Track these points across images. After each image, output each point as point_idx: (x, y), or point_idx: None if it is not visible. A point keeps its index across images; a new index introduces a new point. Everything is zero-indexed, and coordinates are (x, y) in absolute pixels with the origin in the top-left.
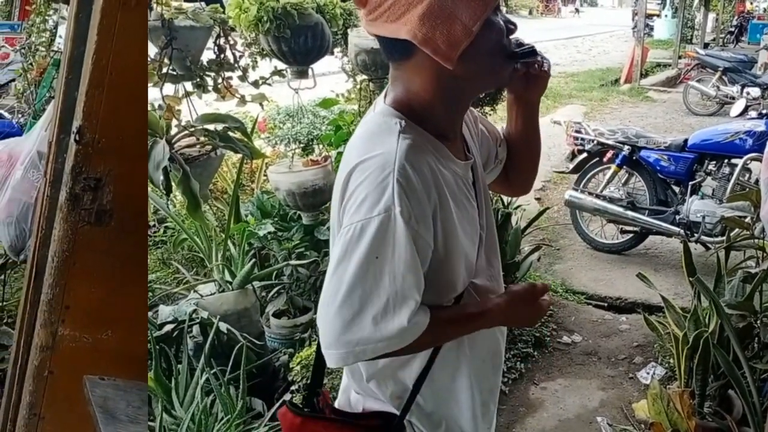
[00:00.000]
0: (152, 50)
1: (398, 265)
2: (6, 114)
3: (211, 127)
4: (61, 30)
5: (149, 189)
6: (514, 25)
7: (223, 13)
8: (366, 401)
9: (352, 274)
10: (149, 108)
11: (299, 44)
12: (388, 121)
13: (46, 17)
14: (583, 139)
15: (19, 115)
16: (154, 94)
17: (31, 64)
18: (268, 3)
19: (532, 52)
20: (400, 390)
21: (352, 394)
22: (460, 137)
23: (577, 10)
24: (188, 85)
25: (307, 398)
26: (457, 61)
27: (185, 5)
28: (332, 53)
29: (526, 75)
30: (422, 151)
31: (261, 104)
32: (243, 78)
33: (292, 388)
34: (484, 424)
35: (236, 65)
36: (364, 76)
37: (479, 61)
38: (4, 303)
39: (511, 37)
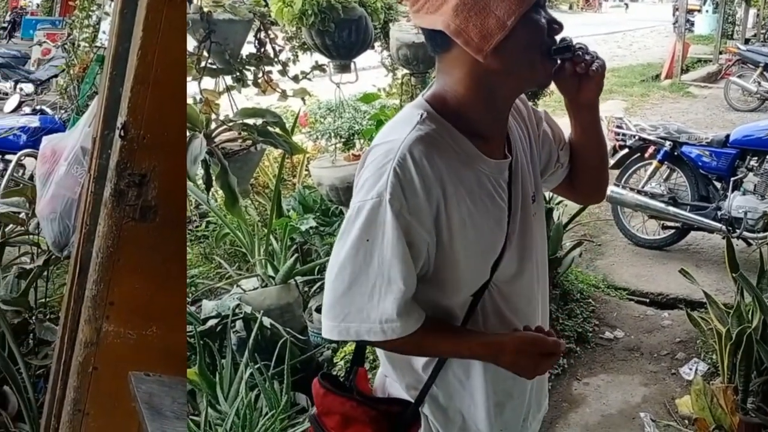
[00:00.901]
0: (190, 43)
1: (386, 251)
2: (48, 110)
3: (250, 121)
4: (104, 25)
5: (190, 183)
6: (560, 24)
7: (265, 6)
8: (391, 387)
9: (345, 252)
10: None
11: (342, 38)
12: (413, 111)
13: (90, 13)
14: (624, 134)
15: (62, 111)
16: (192, 88)
17: (74, 60)
18: None
19: (566, 48)
20: (415, 380)
21: (382, 378)
22: (500, 136)
23: (626, 5)
24: (228, 79)
25: (346, 374)
26: (492, 56)
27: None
28: (373, 47)
29: (576, 75)
30: (433, 144)
31: (303, 99)
32: (283, 72)
33: None
34: (497, 425)
35: (276, 59)
36: (405, 71)
37: (515, 57)
38: (47, 299)
39: (557, 37)
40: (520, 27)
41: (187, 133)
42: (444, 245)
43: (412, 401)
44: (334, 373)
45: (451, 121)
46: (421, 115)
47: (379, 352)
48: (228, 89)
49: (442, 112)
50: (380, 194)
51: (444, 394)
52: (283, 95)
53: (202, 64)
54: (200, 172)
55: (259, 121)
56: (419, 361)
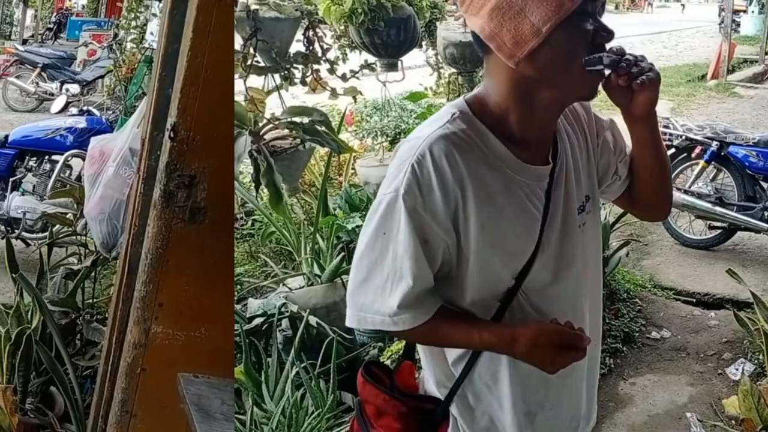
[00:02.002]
0: (237, 41)
1: (399, 245)
2: (95, 111)
3: (298, 119)
4: (152, 27)
5: (237, 182)
6: (609, 32)
7: (313, 5)
8: (427, 383)
9: (364, 243)
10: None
11: (391, 37)
12: (448, 110)
13: (137, 14)
14: (671, 134)
15: (108, 112)
16: (238, 85)
17: (121, 60)
18: None
19: (598, 60)
20: (445, 377)
21: (422, 374)
22: (542, 142)
23: (683, 6)
24: (278, 78)
25: (395, 366)
26: (527, 63)
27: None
28: (420, 46)
29: (625, 87)
30: (456, 144)
31: (354, 98)
32: (331, 71)
33: None
34: None
35: (323, 58)
36: (452, 70)
37: (553, 67)
38: (95, 300)
39: (609, 45)
40: (558, 34)
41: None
42: (463, 247)
43: (442, 399)
44: None
45: (487, 123)
46: (453, 114)
47: (418, 345)
48: (278, 88)
49: (480, 113)
50: (396, 189)
51: (472, 396)
52: (333, 94)
53: (249, 62)
54: (249, 169)
55: (306, 120)
56: (450, 358)
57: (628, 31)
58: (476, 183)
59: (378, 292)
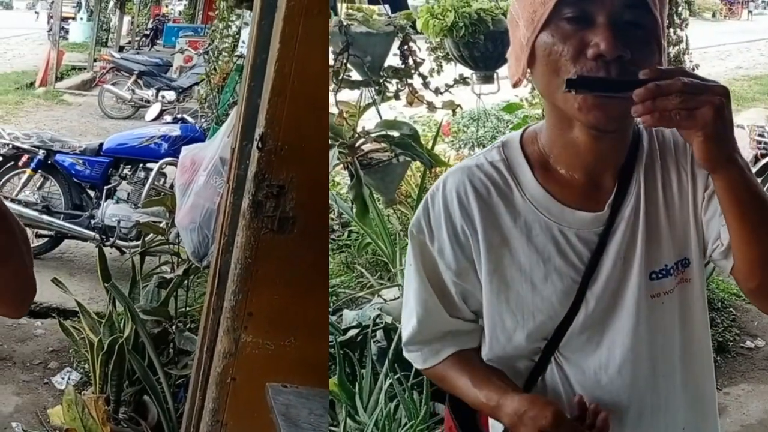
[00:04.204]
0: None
1: (412, 282)
2: (189, 118)
3: (389, 133)
4: (244, 35)
5: (334, 193)
6: (605, 43)
7: (407, 19)
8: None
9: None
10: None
11: (489, 49)
12: (498, 141)
13: (229, 23)
14: (767, 143)
15: (202, 120)
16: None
17: (214, 68)
18: (464, 9)
19: (581, 82)
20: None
21: None
22: (589, 181)
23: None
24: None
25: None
26: (534, 81)
27: (358, 14)
28: None
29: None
30: (476, 178)
31: (453, 111)
32: (425, 85)
33: None
34: None
35: (414, 71)
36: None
37: (544, 86)
38: (187, 308)
39: (610, 59)
40: (541, 46)
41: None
42: (481, 281)
43: None
44: None
45: (532, 157)
46: (498, 145)
47: None
48: (374, 101)
49: (529, 144)
50: (413, 222)
51: None
52: (431, 107)
53: (340, 76)
54: (347, 181)
55: (397, 134)
56: None
57: (724, 39)
58: (489, 224)
59: (403, 321)
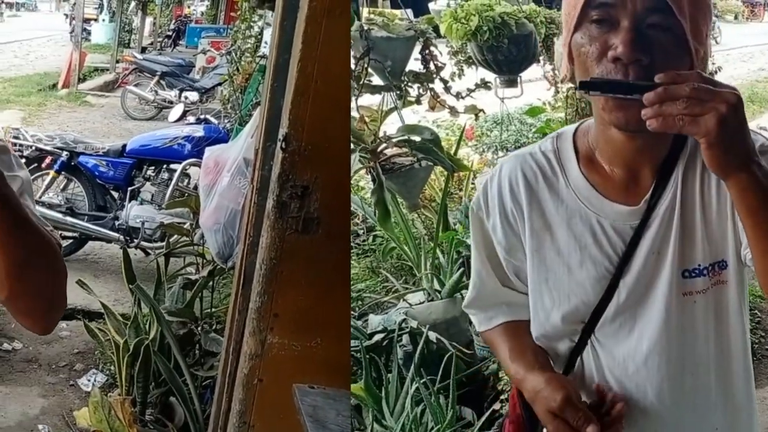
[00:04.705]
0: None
1: (473, 254)
2: (212, 119)
3: (412, 137)
4: (267, 35)
5: (359, 198)
6: (623, 45)
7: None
8: None
9: None
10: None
11: (512, 53)
12: (555, 133)
13: (252, 23)
14: (21, 145)
15: (225, 120)
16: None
17: (237, 69)
18: (487, 13)
19: (594, 85)
20: None
21: None
22: (634, 179)
23: None
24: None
25: None
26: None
27: (378, 19)
28: (538, 61)
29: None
30: (527, 166)
31: (476, 115)
32: (447, 89)
33: (502, 397)
34: None
35: (435, 75)
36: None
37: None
38: (213, 309)
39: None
40: (573, 46)
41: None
42: (525, 258)
43: None
44: (500, 387)
45: (581, 150)
46: (554, 136)
47: None
48: (396, 106)
49: (581, 137)
50: (473, 200)
51: None
52: (454, 112)
53: (361, 80)
54: (371, 185)
55: (419, 138)
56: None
57: (747, 41)
58: (534, 207)
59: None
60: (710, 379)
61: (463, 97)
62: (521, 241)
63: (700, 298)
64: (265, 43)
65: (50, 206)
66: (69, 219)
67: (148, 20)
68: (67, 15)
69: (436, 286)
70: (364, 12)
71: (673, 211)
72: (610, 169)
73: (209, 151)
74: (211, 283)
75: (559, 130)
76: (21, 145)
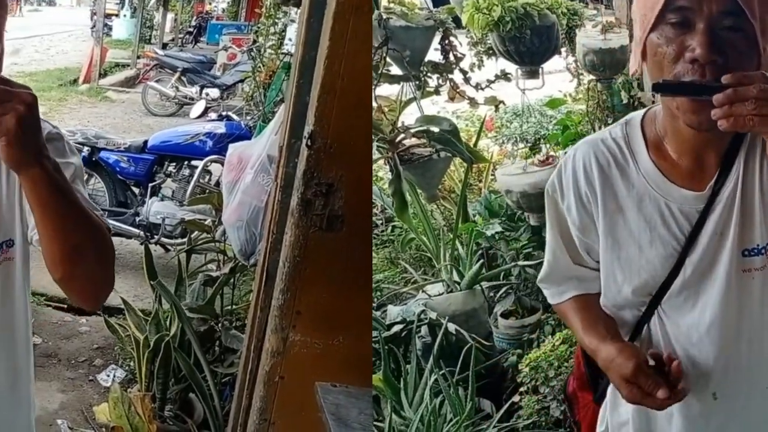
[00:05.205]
0: None
1: (548, 232)
2: (234, 116)
3: (431, 128)
4: (290, 32)
5: (377, 188)
6: (701, 47)
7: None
8: None
9: None
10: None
11: (535, 44)
12: (623, 120)
13: (276, 20)
14: None
15: (247, 117)
16: None
17: (260, 66)
18: (510, 4)
19: (672, 87)
20: None
21: None
22: (695, 163)
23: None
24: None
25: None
26: (648, 75)
27: (397, 8)
28: (559, 53)
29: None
30: (599, 151)
31: (496, 107)
32: (466, 81)
33: (521, 389)
34: None
35: (454, 66)
36: (591, 77)
37: (650, 78)
38: (234, 306)
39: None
40: (649, 48)
41: None
42: (597, 237)
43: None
44: (519, 379)
45: (649, 137)
46: (623, 123)
47: None
48: (415, 97)
49: (648, 125)
50: (549, 183)
51: (613, 393)
52: (473, 103)
53: (379, 70)
54: (389, 176)
55: (437, 129)
56: None
57: None
58: (607, 191)
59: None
60: (764, 346)
61: (482, 88)
62: (593, 222)
63: (757, 275)
64: (289, 39)
65: None
66: None
67: (170, 16)
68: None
69: (456, 277)
70: (383, 1)
71: (735, 196)
72: (677, 156)
73: (233, 148)
74: (232, 280)
75: (626, 117)
76: None
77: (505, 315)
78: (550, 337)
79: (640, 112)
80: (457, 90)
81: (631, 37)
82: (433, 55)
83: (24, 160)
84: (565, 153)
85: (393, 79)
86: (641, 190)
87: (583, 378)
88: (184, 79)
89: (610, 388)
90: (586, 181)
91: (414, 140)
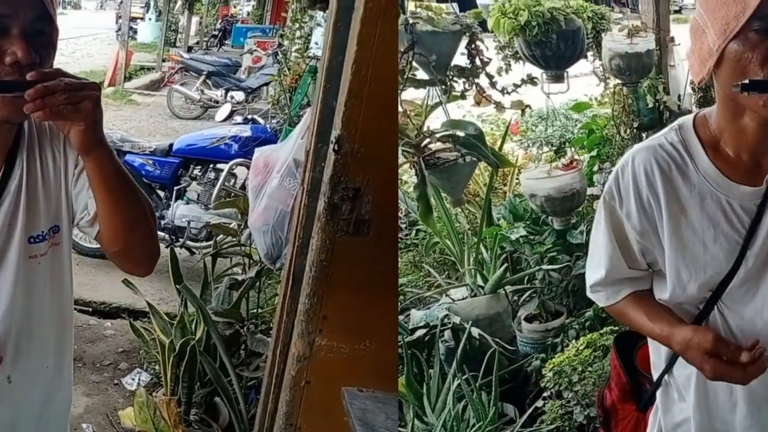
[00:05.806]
0: None
1: (600, 238)
2: (259, 119)
3: (456, 133)
4: (316, 36)
5: (401, 192)
6: None
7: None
8: (652, 363)
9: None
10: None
11: (561, 49)
12: (675, 124)
13: (302, 24)
14: None
15: (273, 120)
16: None
17: (286, 69)
18: (536, 8)
19: (753, 85)
20: (658, 362)
21: None
22: (754, 161)
23: None
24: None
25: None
26: (717, 82)
27: (423, 13)
28: (585, 57)
29: None
30: (658, 156)
31: (522, 111)
32: (492, 85)
33: (545, 394)
34: None
35: (480, 70)
36: (617, 80)
37: (725, 83)
38: (259, 310)
39: None
40: (731, 52)
41: None
42: (663, 248)
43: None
44: (542, 384)
45: (704, 138)
46: (675, 127)
47: None
48: (441, 101)
49: (701, 127)
50: (605, 190)
51: (675, 391)
52: (499, 107)
53: (405, 75)
54: (414, 179)
55: (462, 133)
56: (661, 347)
57: None
58: (670, 193)
59: (590, 271)
60: None
61: (508, 93)
62: (654, 225)
63: None
64: (315, 43)
65: None
66: None
67: (195, 19)
68: (117, 14)
69: (479, 281)
70: (410, 6)
71: None
72: (735, 155)
73: (259, 152)
74: (257, 283)
75: (677, 122)
76: None
77: (529, 319)
78: (574, 341)
79: (689, 117)
80: (483, 94)
81: (657, 42)
82: (460, 59)
83: (97, 142)
84: (597, 161)
85: (419, 84)
86: (702, 190)
87: (624, 388)
88: (209, 82)
89: (659, 392)
90: (648, 185)
91: (439, 144)
